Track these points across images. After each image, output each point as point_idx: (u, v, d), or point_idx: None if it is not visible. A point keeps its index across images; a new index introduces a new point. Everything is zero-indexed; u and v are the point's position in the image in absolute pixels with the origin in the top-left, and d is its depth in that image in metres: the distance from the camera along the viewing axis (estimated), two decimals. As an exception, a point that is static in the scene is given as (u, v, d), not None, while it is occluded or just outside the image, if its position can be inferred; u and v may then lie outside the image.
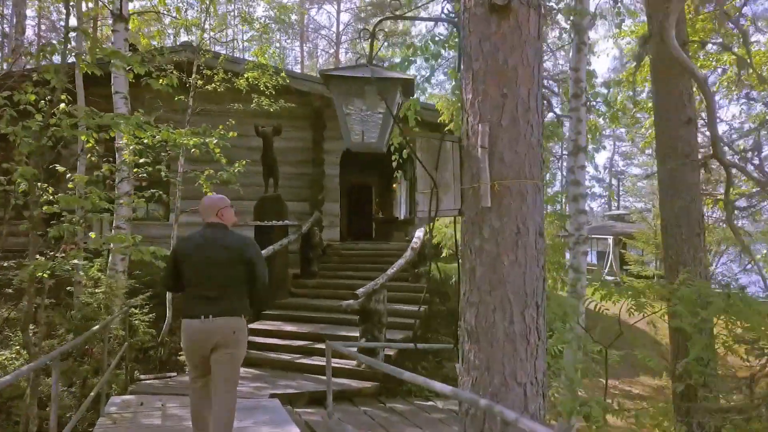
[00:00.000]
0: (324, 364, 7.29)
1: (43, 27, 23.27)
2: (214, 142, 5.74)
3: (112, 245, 5.13)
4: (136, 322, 8.45)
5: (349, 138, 2.57)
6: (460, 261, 2.48)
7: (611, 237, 17.24)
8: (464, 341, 2.43)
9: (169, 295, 8.66)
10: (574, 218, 5.34)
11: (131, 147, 5.60)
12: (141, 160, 5.57)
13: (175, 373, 7.63)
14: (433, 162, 2.59)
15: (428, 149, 2.65)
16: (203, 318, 3.66)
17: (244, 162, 7.35)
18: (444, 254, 9.47)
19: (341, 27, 27.18)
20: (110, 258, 8.22)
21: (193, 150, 5.72)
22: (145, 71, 4.56)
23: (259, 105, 9.09)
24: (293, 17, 26.05)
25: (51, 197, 4.65)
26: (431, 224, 3.68)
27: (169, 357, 8.61)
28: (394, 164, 6.26)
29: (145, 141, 5.30)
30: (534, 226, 2.32)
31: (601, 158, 37.79)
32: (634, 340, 12.03)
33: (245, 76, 9.07)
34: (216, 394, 3.67)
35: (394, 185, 19.00)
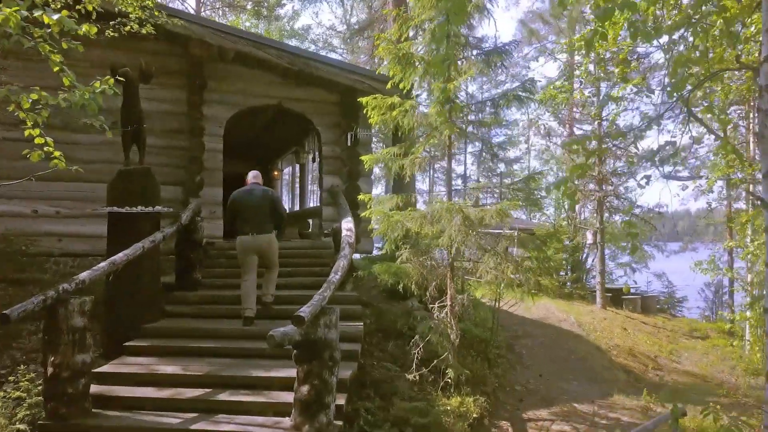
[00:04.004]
0: (239, 430, 4.64)
1: None
2: (54, 17, 2.78)
3: None
4: None
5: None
6: None
7: (516, 232, 16.01)
8: None
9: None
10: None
11: None
12: None
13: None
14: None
15: None
16: (251, 235, 6.48)
17: (110, 80, 4.21)
18: (385, 250, 7.10)
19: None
20: None
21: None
22: None
23: (119, 30, 5.94)
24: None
25: None
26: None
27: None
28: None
29: None
30: None
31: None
32: (578, 349, 10.50)
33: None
34: (266, 274, 6.75)
35: (275, 173, 16.20)
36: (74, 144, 7.94)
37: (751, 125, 13.12)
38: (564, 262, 17.92)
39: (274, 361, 5.66)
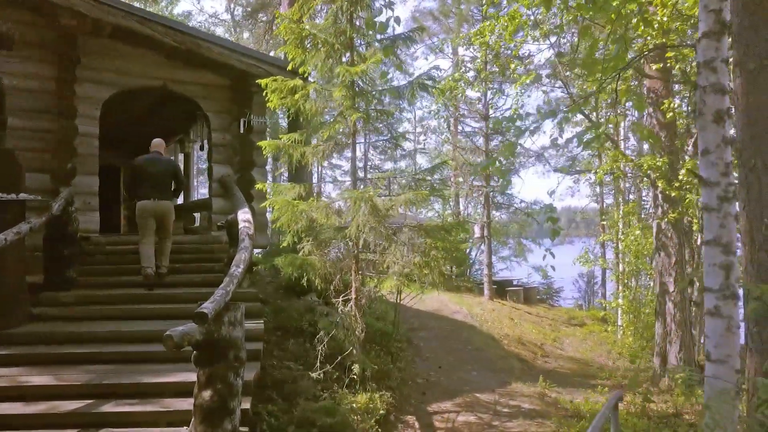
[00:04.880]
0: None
1: None
2: None
3: None
4: None
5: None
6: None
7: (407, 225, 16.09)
8: None
9: None
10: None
11: None
12: None
13: None
14: None
15: None
16: (153, 200, 6.89)
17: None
18: (287, 243, 6.68)
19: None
20: None
21: None
22: None
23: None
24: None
25: None
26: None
27: None
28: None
29: None
30: None
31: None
32: (472, 339, 10.67)
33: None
34: (161, 243, 7.05)
35: (156, 164, 15.04)
36: None
37: (622, 123, 14.13)
38: (451, 255, 18.37)
39: (165, 366, 5.13)
